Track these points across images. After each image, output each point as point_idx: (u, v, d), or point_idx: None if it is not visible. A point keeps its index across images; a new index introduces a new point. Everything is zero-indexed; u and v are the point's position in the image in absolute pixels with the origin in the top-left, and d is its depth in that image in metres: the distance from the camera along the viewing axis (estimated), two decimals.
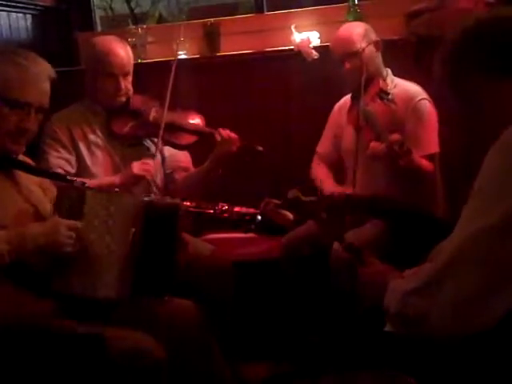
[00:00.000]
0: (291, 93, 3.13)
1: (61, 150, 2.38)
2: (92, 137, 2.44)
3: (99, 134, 2.46)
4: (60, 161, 2.36)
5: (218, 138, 2.43)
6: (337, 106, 2.73)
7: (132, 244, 1.74)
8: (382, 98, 2.44)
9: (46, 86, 1.78)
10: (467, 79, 1.26)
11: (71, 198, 1.70)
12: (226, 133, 2.44)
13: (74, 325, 1.61)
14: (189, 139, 2.51)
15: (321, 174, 2.70)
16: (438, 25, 2.65)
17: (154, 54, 3.25)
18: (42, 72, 1.78)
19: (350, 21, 2.95)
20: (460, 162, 2.63)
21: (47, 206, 1.78)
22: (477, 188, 1.15)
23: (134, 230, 1.75)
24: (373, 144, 2.31)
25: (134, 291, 1.75)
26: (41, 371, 1.55)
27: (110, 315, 1.71)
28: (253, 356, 2.51)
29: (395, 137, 2.22)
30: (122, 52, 2.43)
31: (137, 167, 2.34)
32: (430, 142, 2.44)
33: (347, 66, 2.50)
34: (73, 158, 2.39)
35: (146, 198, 1.91)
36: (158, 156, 2.45)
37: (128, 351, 1.55)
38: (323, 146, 2.75)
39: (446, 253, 1.16)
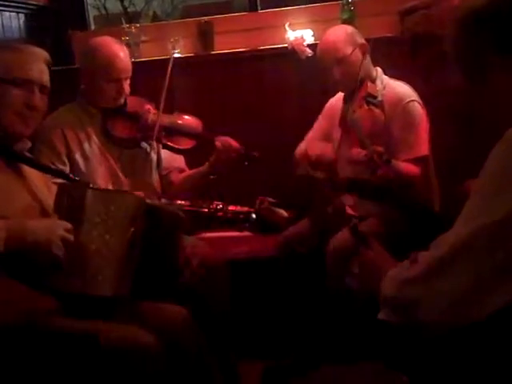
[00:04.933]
0: (285, 91, 3.13)
1: (55, 161, 2.34)
2: (87, 143, 2.41)
3: (94, 138, 2.43)
4: None
5: (218, 146, 2.43)
6: (331, 101, 2.71)
7: (130, 243, 1.73)
8: (368, 103, 2.38)
9: (44, 66, 1.86)
10: (477, 53, 1.24)
11: (72, 195, 1.70)
12: (225, 140, 2.43)
13: (72, 323, 1.61)
14: (188, 144, 2.50)
15: (303, 146, 2.66)
16: (432, 22, 2.66)
17: (148, 53, 3.25)
18: (38, 53, 1.86)
19: (344, 18, 2.96)
20: (454, 162, 2.65)
21: (51, 203, 1.78)
22: (480, 184, 1.16)
23: (133, 229, 1.74)
24: (354, 150, 2.30)
25: (132, 291, 1.74)
26: (36, 368, 1.56)
27: (108, 313, 1.71)
28: (250, 354, 2.51)
29: (377, 148, 2.19)
30: (125, 56, 2.41)
31: None
32: (419, 144, 2.40)
33: (335, 73, 2.46)
34: (66, 169, 2.35)
35: (148, 201, 1.90)
36: (155, 177, 2.42)
37: (121, 343, 1.55)
38: (312, 134, 2.72)
39: (448, 244, 1.16)
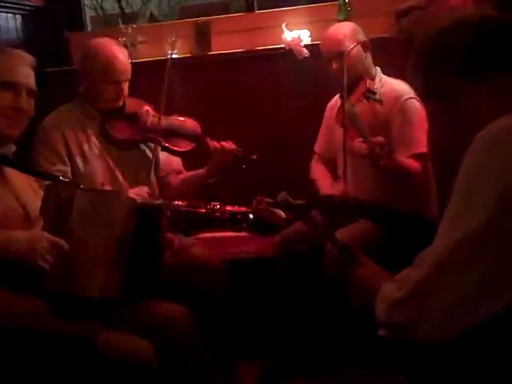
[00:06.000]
0: (282, 91, 3.13)
1: (56, 162, 2.33)
2: (87, 145, 2.41)
3: (94, 139, 2.43)
4: (55, 173, 2.29)
5: (214, 150, 2.43)
6: (329, 105, 2.74)
7: (120, 243, 1.73)
8: (367, 98, 2.41)
9: (30, 70, 1.87)
10: (444, 82, 1.27)
11: (59, 197, 1.70)
12: (223, 144, 2.43)
13: (66, 325, 1.61)
14: (186, 146, 2.51)
15: (318, 174, 2.71)
16: (427, 23, 2.66)
17: (145, 54, 3.25)
18: (24, 57, 1.87)
19: (341, 19, 2.96)
20: (450, 162, 2.64)
21: (37, 206, 1.78)
22: (454, 192, 1.16)
23: (122, 229, 1.73)
24: (355, 143, 2.31)
25: (125, 293, 1.74)
26: (30, 373, 1.56)
27: (101, 315, 1.70)
28: (248, 353, 2.52)
29: (378, 139, 2.22)
30: (124, 58, 2.41)
31: (133, 195, 2.29)
32: (418, 141, 2.42)
33: (334, 65, 2.50)
34: (68, 169, 2.35)
35: (138, 200, 1.89)
36: (153, 179, 2.43)
37: (119, 353, 1.54)
38: (319, 145, 2.77)
39: (430, 261, 1.16)
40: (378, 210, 2.31)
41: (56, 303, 1.67)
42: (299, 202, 2.17)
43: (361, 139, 2.28)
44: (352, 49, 2.48)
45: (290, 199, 2.13)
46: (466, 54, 1.23)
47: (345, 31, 2.53)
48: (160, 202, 1.99)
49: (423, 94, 1.36)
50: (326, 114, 2.74)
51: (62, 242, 1.64)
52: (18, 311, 1.60)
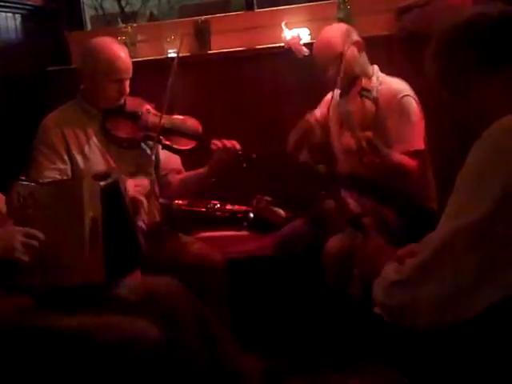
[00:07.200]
0: (282, 90, 3.13)
1: (56, 160, 2.33)
2: (87, 144, 2.41)
3: (94, 138, 2.43)
4: (55, 172, 2.31)
5: (217, 148, 2.43)
6: (325, 99, 2.71)
7: (92, 227, 1.72)
8: (362, 96, 2.40)
9: None
10: (458, 73, 1.29)
11: (21, 195, 1.70)
12: (225, 142, 2.43)
13: (60, 318, 1.62)
14: (187, 144, 2.51)
15: None
16: (428, 20, 2.66)
17: (145, 53, 3.25)
18: None
19: (340, 17, 2.96)
20: (450, 158, 2.65)
21: (2, 205, 1.78)
22: (459, 183, 1.17)
23: (91, 213, 1.73)
24: (344, 140, 2.31)
25: (108, 273, 1.74)
26: (31, 369, 1.56)
27: (92, 300, 1.71)
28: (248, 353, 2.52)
29: (365, 133, 2.20)
30: (126, 56, 2.41)
31: (132, 189, 2.30)
32: (414, 138, 2.41)
33: (331, 71, 2.47)
34: (68, 168, 2.36)
35: (102, 183, 1.88)
36: (153, 174, 2.43)
37: (120, 339, 1.57)
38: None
39: (431, 246, 1.18)
40: (393, 195, 2.29)
41: (41, 297, 1.68)
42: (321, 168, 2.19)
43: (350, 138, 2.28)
44: (346, 50, 2.44)
45: (312, 162, 2.13)
46: (482, 47, 1.25)
47: (336, 34, 2.50)
48: (115, 171, 1.97)
49: (437, 85, 1.36)
50: (322, 109, 2.72)
51: (35, 231, 1.64)
52: (8, 308, 1.61)
